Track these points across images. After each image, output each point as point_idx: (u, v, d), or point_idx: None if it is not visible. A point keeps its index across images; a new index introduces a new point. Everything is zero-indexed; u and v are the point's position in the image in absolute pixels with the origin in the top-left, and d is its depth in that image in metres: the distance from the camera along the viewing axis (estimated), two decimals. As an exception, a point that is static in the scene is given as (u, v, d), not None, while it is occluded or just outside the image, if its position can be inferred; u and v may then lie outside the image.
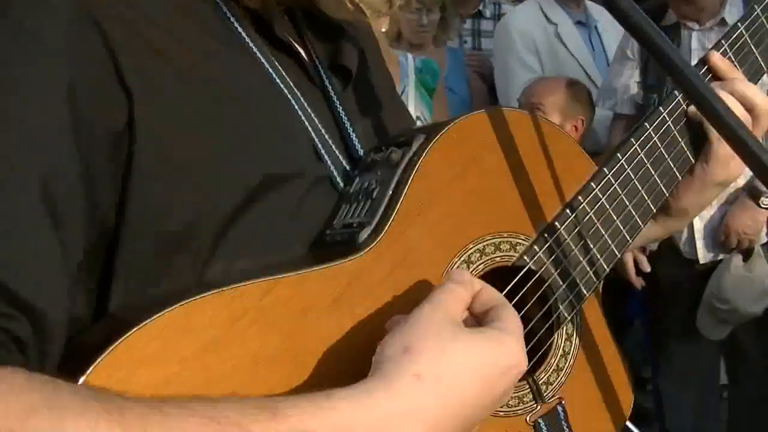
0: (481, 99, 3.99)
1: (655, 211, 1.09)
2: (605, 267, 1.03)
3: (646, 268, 3.15)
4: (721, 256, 3.07)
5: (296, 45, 0.98)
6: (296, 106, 0.91)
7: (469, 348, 0.77)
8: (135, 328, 0.71)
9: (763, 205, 2.91)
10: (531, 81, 3.43)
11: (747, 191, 2.94)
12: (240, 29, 0.90)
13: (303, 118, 0.91)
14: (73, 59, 0.76)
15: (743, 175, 2.95)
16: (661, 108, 1.13)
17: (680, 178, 1.13)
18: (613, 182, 1.05)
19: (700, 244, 3.10)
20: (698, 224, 3.08)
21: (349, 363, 0.79)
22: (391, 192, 0.88)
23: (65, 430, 0.60)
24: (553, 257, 0.98)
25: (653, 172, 1.09)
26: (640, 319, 4.04)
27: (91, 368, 0.69)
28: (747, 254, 3.01)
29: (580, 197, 1.02)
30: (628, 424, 2.82)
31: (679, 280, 3.21)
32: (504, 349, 0.79)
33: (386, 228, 0.85)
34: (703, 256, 3.10)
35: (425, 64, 3.32)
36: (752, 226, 2.93)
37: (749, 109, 1.11)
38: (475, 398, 0.76)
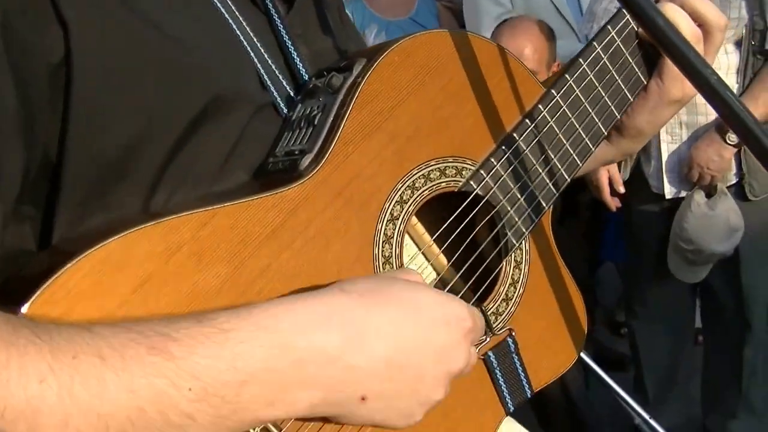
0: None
1: (606, 133, 1.15)
2: (554, 191, 1.09)
3: (620, 188, 3.22)
4: (683, 193, 3.17)
5: None
6: (238, 32, 0.95)
7: (407, 287, 0.84)
8: (70, 264, 0.74)
9: (729, 141, 2.99)
10: (499, 29, 3.40)
11: (716, 125, 3.02)
12: None
13: (246, 44, 0.95)
14: None
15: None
16: (609, 26, 1.17)
17: (632, 99, 1.18)
18: (562, 104, 1.10)
19: (665, 177, 3.20)
20: (666, 157, 3.18)
21: (289, 294, 0.84)
22: (332, 118, 0.92)
23: None
24: (500, 182, 1.04)
25: (603, 93, 1.14)
26: (613, 262, 4.17)
27: (26, 304, 0.72)
28: (710, 191, 3.10)
29: (527, 120, 1.07)
30: (588, 360, 2.97)
31: (650, 216, 3.30)
32: (449, 302, 0.86)
33: (327, 154, 0.89)
34: (669, 191, 3.20)
35: None
36: (717, 162, 3.01)
37: (700, 24, 1.16)
38: (407, 326, 0.82)
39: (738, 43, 3.01)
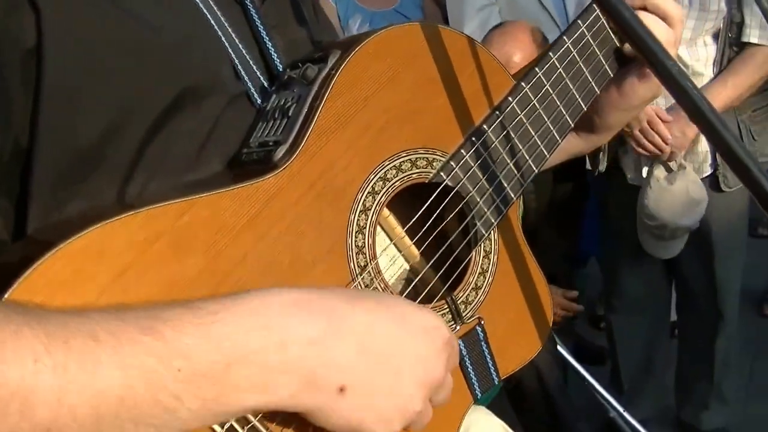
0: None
1: (572, 125, 1.21)
2: (522, 182, 1.15)
3: (667, 116, 3.17)
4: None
5: None
6: (213, 22, 1.00)
7: (390, 297, 0.92)
8: (49, 253, 0.78)
9: None
10: (490, 34, 3.34)
11: None
12: None
13: (220, 34, 1.00)
14: None
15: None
16: (579, 21, 1.24)
17: (598, 92, 1.25)
18: (531, 97, 1.17)
19: (643, 169, 3.27)
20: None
21: (265, 284, 0.88)
22: (306, 109, 0.97)
23: None
24: (470, 173, 1.10)
25: (571, 86, 1.21)
26: (595, 256, 4.24)
27: (8, 292, 0.76)
28: (669, 167, 3.19)
29: (497, 112, 1.13)
30: (565, 353, 3.04)
31: (626, 208, 3.38)
32: (428, 314, 0.92)
33: (301, 146, 0.95)
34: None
35: None
36: (678, 138, 3.09)
37: (664, 18, 1.24)
38: (389, 327, 0.87)
39: (716, 36, 3.09)
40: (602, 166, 3.36)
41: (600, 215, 3.62)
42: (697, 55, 3.11)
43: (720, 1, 3.03)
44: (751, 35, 3.06)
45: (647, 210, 3.17)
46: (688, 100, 0.89)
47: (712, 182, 3.19)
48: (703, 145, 3.16)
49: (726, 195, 3.19)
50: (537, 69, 1.18)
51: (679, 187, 3.11)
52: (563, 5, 3.83)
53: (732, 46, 3.10)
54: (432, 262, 1.11)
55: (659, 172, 3.15)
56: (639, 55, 0.97)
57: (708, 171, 3.19)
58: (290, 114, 0.98)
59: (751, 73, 3.06)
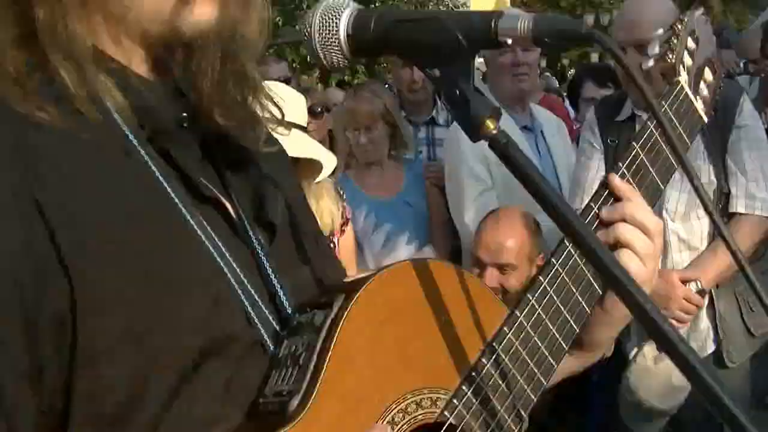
0: (440, 211, 4.32)
1: (567, 349, 1.31)
2: (523, 413, 1.24)
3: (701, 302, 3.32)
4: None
5: (223, 199, 1.16)
6: (226, 270, 1.08)
7: None
8: None
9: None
10: (484, 221, 3.52)
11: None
12: (167, 187, 1.06)
13: (234, 282, 1.08)
14: (15, 250, 0.93)
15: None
16: (565, 242, 1.34)
17: (589, 312, 1.34)
18: (525, 324, 1.26)
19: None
20: None
21: None
22: (316, 358, 1.06)
23: None
24: (472, 409, 1.19)
25: (563, 309, 1.30)
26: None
27: None
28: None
29: (494, 344, 1.23)
30: None
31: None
32: None
33: (313, 396, 1.03)
34: None
35: None
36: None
37: (643, 231, 1.34)
38: None
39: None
40: (608, 353, 3.44)
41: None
42: (692, 231, 3.26)
43: (710, 174, 3.20)
44: (738, 205, 3.22)
45: (627, 385, 3.24)
46: (659, 331, 0.97)
47: (716, 359, 3.27)
48: (704, 321, 3.26)
49: (731, 371, 3.26)
50: (529, 296, 1.28)
51: (663, 369, 3.19)
52: (558, 183, 4.01)
53: (723, 217, 3.25)
54: None
55: (649, 349, 3.23)
56: (612, 289, 1.05)
57: (711, 347, 3.27)
58: (301, 362, 1.07)
59: (740, 243, 3.20)
